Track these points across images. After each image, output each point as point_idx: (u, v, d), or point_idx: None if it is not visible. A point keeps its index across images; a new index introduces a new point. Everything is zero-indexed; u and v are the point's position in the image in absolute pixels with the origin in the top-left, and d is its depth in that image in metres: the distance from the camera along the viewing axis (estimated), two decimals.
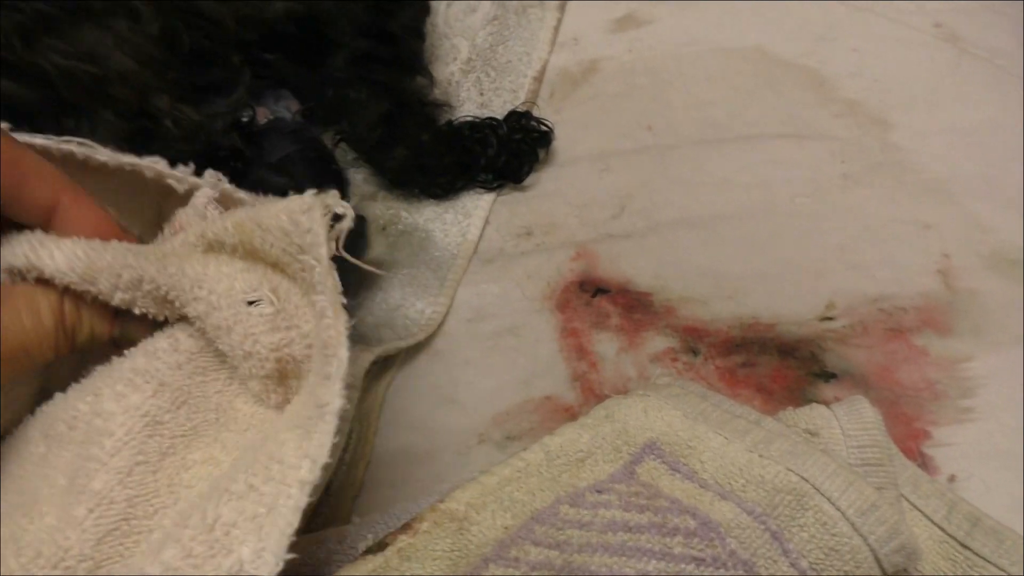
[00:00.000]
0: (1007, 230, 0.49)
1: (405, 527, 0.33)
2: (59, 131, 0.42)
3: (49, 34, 0.41)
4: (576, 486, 0.34)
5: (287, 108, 0.53)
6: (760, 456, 0.33)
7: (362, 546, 0.35)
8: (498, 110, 0.56)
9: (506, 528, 0.32)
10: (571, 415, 0.42)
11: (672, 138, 0.56)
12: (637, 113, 0.57)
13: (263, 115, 0.52)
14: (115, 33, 0.43)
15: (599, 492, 0.33)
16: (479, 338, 0.46)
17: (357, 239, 0.48)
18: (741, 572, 0.30)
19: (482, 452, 0.41)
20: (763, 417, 0.37)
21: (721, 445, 0.34)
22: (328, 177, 0.49)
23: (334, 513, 0.39)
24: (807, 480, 0.32)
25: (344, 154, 0.54)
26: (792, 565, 0.31)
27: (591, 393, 0.43)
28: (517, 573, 0.30)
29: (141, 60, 0.44)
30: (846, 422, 0.37)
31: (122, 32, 0.44)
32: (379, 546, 0.33)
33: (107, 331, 0.31)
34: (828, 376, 0.43)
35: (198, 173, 0.35)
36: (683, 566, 0.30)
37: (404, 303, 0.48)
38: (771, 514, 0.32)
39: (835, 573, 0.31)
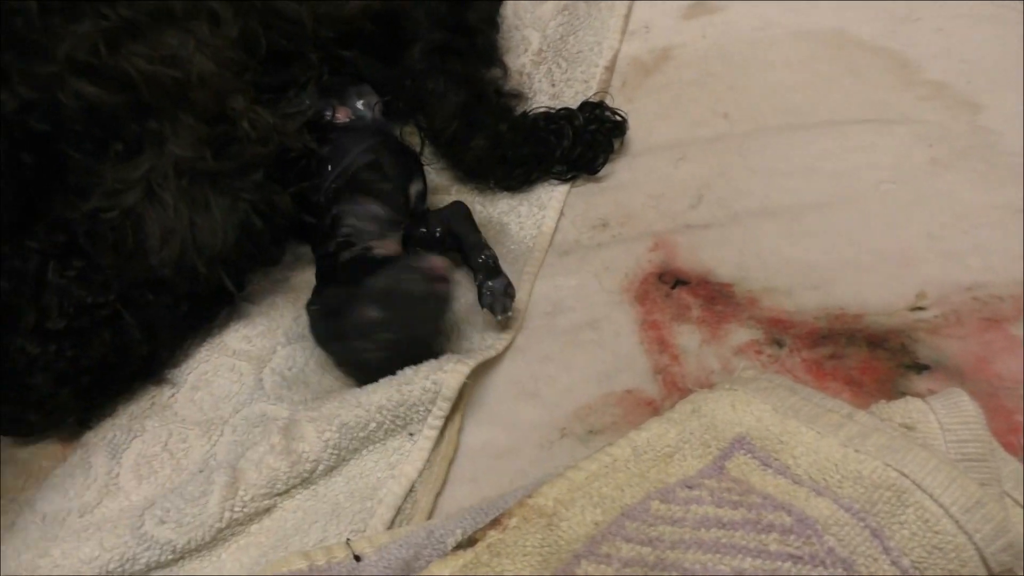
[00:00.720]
0: None
1: (494, 522, 0.33)
2: (142, 134, 0.43)
3: (134, 39, 0.42)
4: (665, 481, 0.34)
5: (368, 105, 0.53)
6: (856, 451, 0.32)
7: (451, 541, 0.35)
8: (569, 101, 0.56)
9: (596, 524, 0.32)
10: (654, 409, 0.42)
11: (750, 125, 0.54)
12: (712, 101, 0.56)
13: (345, 114, 0.52)
14: (196, 37, 0.44)
15: (689, 488, 0.33)
16: (557, 332, 0.46)
17: None
18: (840, 570, 0.29)
19: (565, 446, 0.41)
20: (856, 411, 0.36)
21: (814, 440, 0.33)
22: (413, 166, 0.49)
23: (416, 510, 0.39)
24: (907, 476, 0.31)
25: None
26: (894, 563, 0.30)
27: (674, 386, 0.43)
28: (609, 570, 0.30)
29: (221, 63, 0.45)
30: (944, 416, 0.35)
31: (203, 35, 0.44)
32: (469, 542, 0.33)
33: None
34: (920, 368, 0.42)
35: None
36: (780, 564, 0.30)
37: None
38: (870, 511, 0.31)
39: (939, 572, 0.30)
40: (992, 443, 0.35)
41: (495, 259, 0.46)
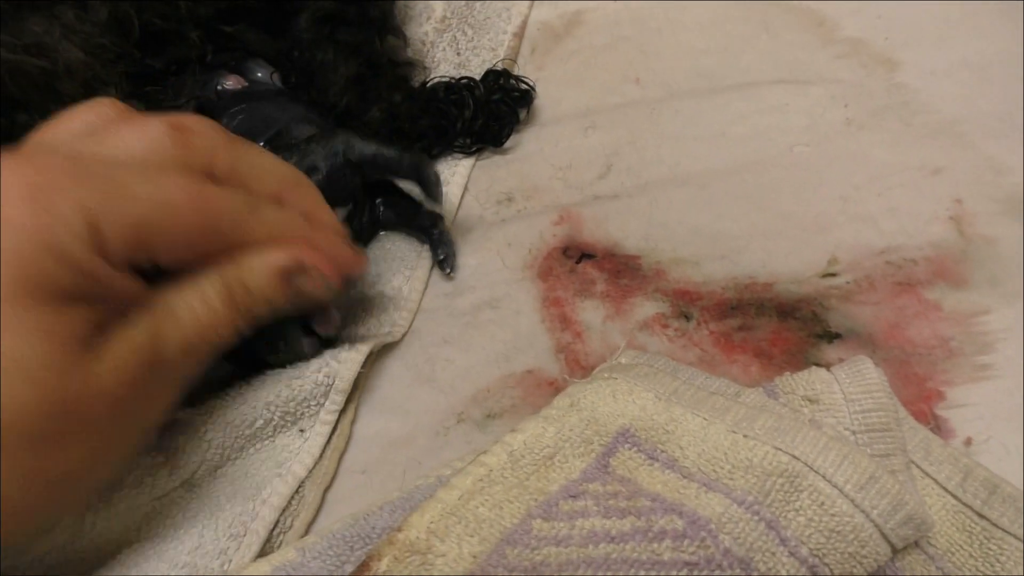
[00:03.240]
0: None
1: (362, 566, 0.29)
2: (12, 128, 0.40)
3: None
4: (547, 491, 0.31)
5: (266, 75, 0.50)
6: (744, 436, 0.30)
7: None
8: (476, 70, 0.53)
9: (475, 557, 0.29)
10: (555, 388, 0.40)
11: (662, 91, 0.52)
12: (624, 66, 0.54)
13: (236, 81, 0.49)
14: (62, 22, 0.41)
15: (573, 497, 0.30)
16: (457, 313, 0.43)
17: None
18: (738, 571, 0.27)
19: (461, 432, 0.39)
20: (742, 390, 0.34)
21: (701, 427, 0.31)
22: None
23: (303, 506, 0.37)
24: (798, 458, 0.29)
25: None
26: (792, 554, 0.28)
27: (576, 365, 0.40)
28: None
29: (90, 50, 0.42)
30: (848, 385, 0.33)
31: (69, 21, 0.41)
32: None
33: (282, 297, 0.33)
34: (832, 337, 0.40)
35: None
36: (675, 573, 0.27)
37: (380, 279, 0.45)
38: (763, 501, 0.29)
39: (839, 556, 0.28)
40: (898, 411, 0.34)
41: (443, 225, 0.46)
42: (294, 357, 0.39)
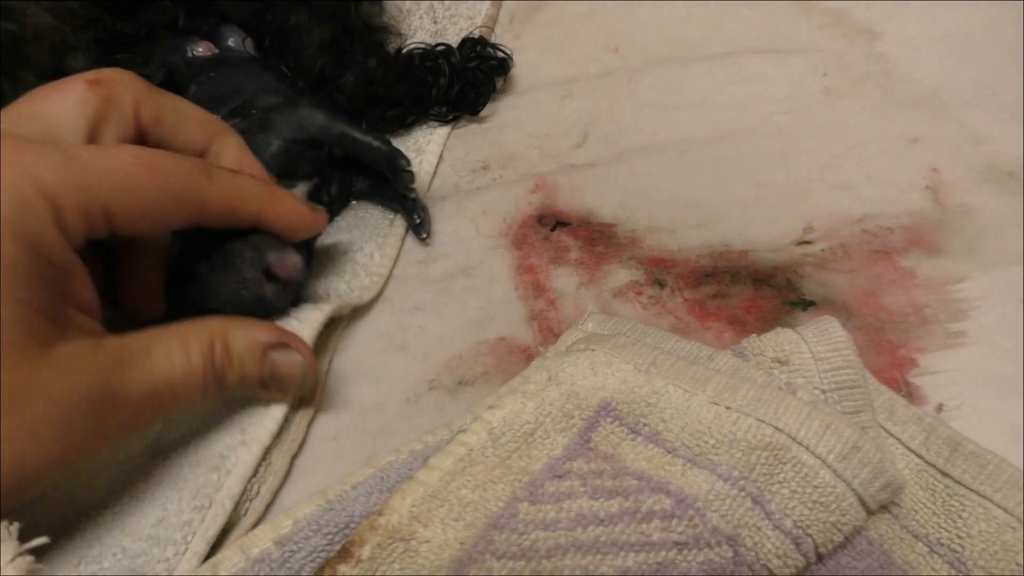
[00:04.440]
0: (1003, 141, 0.45)
1: (343, 553, 0.28)
2: None
3: None
4: (530, 471, 0.30)
5: (238, 43, 0.50)
6: (727, 408, 0.30)
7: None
8: (453, 38, 0.52)
9: (461, 543, 0.28)
10: (528, 355, 0.39)
11: (641, 59, 0.52)
12: (603, 35, 0.53)
13: (207, 48, 0.48)
14: None
15: (559, 477, 0.30)
16: (430, 281, 0.43)
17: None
18: (726, 548, 0.27)
19: (432, 399, 0.38)
20: (715, 353, 0.34)
21: (682, 399, 0.31)
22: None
23: (269, 473, 0.36)
24: (781, 430, 0.29)
25: None
26: (776, 527, 0.28)
27: (549, 332, 0.40)
28: None
29: (59, 14, 0.41)
30: (815, 345, 0.33)
31: None
32: None
33: (258, 371, 0.33)
34: (806, 304, 0.40)
35: None
36: (664, 553, 0.27)
37: (352, 247, 0.44)
38: (748, 476, 0.28)
39: (821, 526, 0.28)
40: (864, 370, 0.34)
41: (416, 192, 0.45)
42: (257, 304, 0.38)
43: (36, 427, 0.26)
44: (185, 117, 0.34)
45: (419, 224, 0.44)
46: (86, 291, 0.29)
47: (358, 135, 0.42)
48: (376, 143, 0.42)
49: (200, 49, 0.47)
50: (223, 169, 0.33)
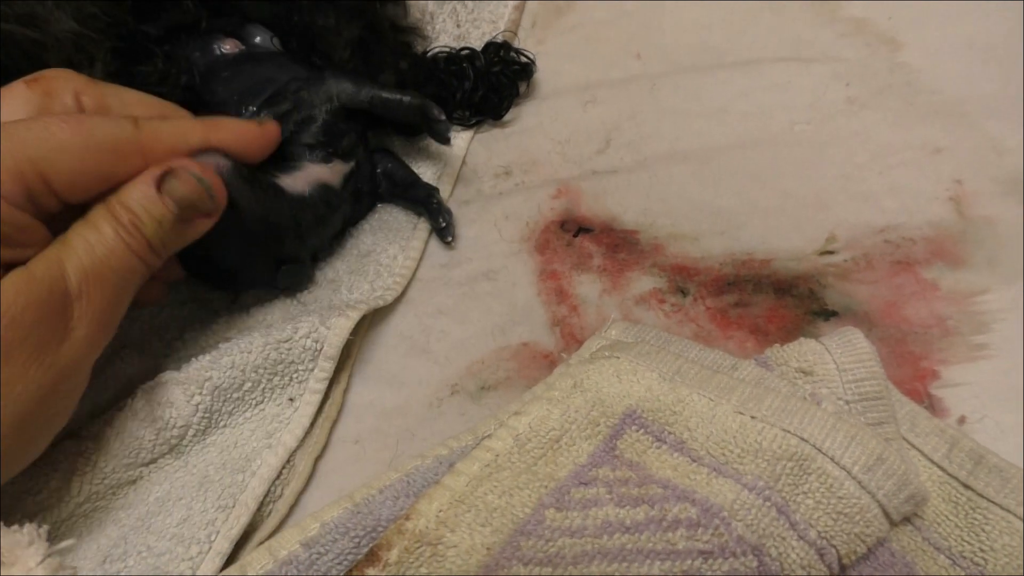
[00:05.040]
0: None
1: (371, 556, 0.29)
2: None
3: None
4: (556, 477, 0.30)
5: (266, 40, 0.50)
6: (752, 418, 0.30)
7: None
8: (476, 41, 0.53)
9: (488, 549, 0.28)
10: (551, 362, 0.40)
11: (663, 66, 0.52)
12: (625, 41, 0.53)
13: (233, 45, 0.48)
14: None
15: (584, 485, 0.30)
16: (453, 284, 0.43)
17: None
18: (751, 558, 0.27)
19: (455, 403, 0.39)
20: (738, 362, 0.34)
21: (708, 408, 0.31)
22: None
23: (293, 475, 0.37)
24: (807, 441, 0.29)
25: None
26: (801, 538, 0.28)
27: (571, 338, 0.40)
28: None
29: (82, 19, 0.41)
30: (840, 356, 0.33)
31: None
32: None
33: (164, 208, 0.32)
34: (828, 314, 0.40)
35: None
36: (689, 562, 0.27)
37: (376, 248, 0.45)
38: (774, 487, 0.29)
39: (845, 537, 0.28)
40: (887, 381, 0.34)
41: (440, 197, 0.46)
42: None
43: (12, 348, 0.28)
44: (129, 103, 0.35)
45: (444, 228, 0.44)
46: (37, 233, 0.30)
47: (386, 93, 0.42)
48: (406, 98, 0.43)
49: (227, 47, 0.48)
50: (151, 119, 0.33)
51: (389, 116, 0.43)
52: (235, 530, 0.35)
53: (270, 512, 0.37)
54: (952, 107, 0.47)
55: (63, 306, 0.29)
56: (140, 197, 0.32)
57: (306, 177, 0.40)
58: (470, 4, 0.55)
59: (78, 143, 0.30)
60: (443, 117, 0.43)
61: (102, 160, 0.31)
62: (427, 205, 0.45)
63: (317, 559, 0.31)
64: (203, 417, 0.37)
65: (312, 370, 0.39)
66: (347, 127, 0.42)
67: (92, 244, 0.30)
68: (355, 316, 0.39)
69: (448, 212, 0.45)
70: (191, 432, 0.37)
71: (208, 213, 0.34)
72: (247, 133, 0.36)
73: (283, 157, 0.40)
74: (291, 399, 0.39)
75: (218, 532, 0.35)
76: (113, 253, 0.31)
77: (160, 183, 0.32)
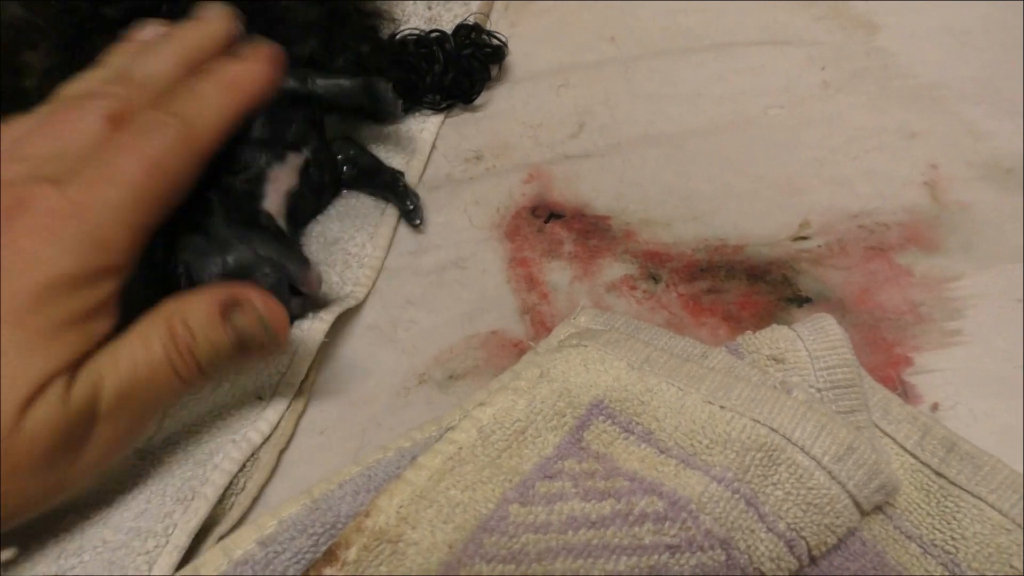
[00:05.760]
0: (1003, 136, 0.44)
1: (328, 556, 0.28)
2: None
3: None
4: (521, 470, 0.30)
5: None
6: (721, 407, 0.29)
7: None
8: (448, 25, 0.51)
9: (450, 546, 0.27)
10: (520, 350, 0.39)
11: (638, 49, 0.51)
12: (600, 23, 0.53)
13: None
14: None
15: (549, 478, 0.29)
16: (421, 273, 0.42)
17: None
18: (720, 551, 0.27)
19: (422, 393, 0.38)
20: (709, 350, 0.33)
21: (676, 398, 0.30)
22: None
23: (257, 467, 0.36)
24: (776, 431, 0.28)
25: None
26: (770, 530, 0.27)
27: (542, 326, 0.40)
28: None
29: (32, 5, 0.40)
30: (812, 343, 0.33)
31: None
32: None
33: (224, 337, 0.31)
34: (802, 301, 0.40)
35: None
36: (656, 557, 0.27)
37: (343, 236, 0.43)
38: (743, 478, 0.28)
39: (815, 528, 0.27)
40: (859, 369, 0.33)
41: (404, 180, 0.45)
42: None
43: (19, 468, 0.27)
44: None
45: (412, 211, 0.43)
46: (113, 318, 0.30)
47: (326, 80, 0.41)
48: (346, 82, 0.41)
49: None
50: (186, 103, 0.32)
51: (342, 104, 0.42)
52: (193, 523, 0.34)
53: (232, 505, 0.36)
54: (927, 91, 0.47)
55: (86, 430, 0.28)
56: (203, 321, 0.31)
57: (276, 192, 0.39)
58: None
59: (157, 188, 0.31)
60: (390, 94, 0.42)
61: (176, 168, 0.31)
62: (393, 189, 0.44)
63: (274, 558, 0.30)
64: (171, 423, 0.36)
65: (284, 373, 0.38)
66: (292, 114, 0.40)
67: (138, 362, 0.29)
68: (329, 319, 0.38)
69: (415, 195, 0.44)
70: (157, 438, 0.36)
71: (266, 350, 0.33)
72: (264, 71, 0.35)
73: (234, 159, 0.38)
74: (260, 397, 0.38)
75: (175, 525, 0.34)
76: (156, 374, 0.30)
77: (226, 310, 0.31)
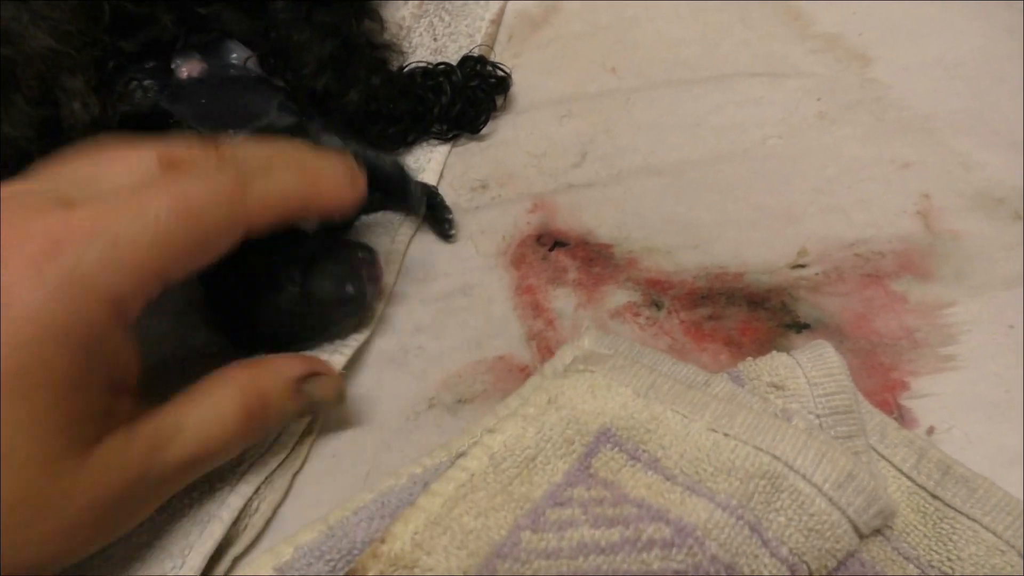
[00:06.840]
0: (993, 167, 0.46)
1: None
2: None
3: None
4: (532, 498, 0.30)
5: (239, 59, 0.50)
6: (725, 435, 0.30)
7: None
8: (453, 56, 0.53)
9: (465, 572, 0.28)
10: (526, 374, 0.40)
11: (638, 80, 0.52)
12: (601, 55, 0.54)
13: (193, 68, 0.48)
14: (31, 9, 0.40)
15: (560, 505, 0.30)
16: (428, 300, 0.43)
17: None
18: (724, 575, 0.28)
19: (431, 416, 0.39)
20: (711, 377, 0.34)
21: (681, 426, 0.31)
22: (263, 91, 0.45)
23: (271, 490, 0.37)
24: (779, 458, 0.29)
25: None
26: (773, 555, 0.28)
27: (548, 352, 0.41)
28: None
29: (59, 37, 0.41)
30: (810, 370, 0.34)
31: (38, 7, 0.40)
32: None
33: (295, 407, 0.32)
34: (800, 327, 0.41)
35: None
36: None
37: None
38: (747, 505, 0.29)
39: (816, 553, 0.28)
40: (857, 394, 0.34)
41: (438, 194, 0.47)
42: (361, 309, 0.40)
43: (77, 528, 0.26)
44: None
45: (449, 220, 0.46)
46: (132, 365, 0.29)
47: (370, 155, 0.42)
48: (387, 165, 0.43)
49: (185, 69, 0.47)
50: (255, 173, 0.29)
51: (375, 177, 0.43)
52: (208, 544, 0.34)
53: (246, 527, 0.36)
54: (921, 123, 0.48)
55: (146, 490, 0.29)
56: (282, 392, 0.31)
57: None
58: (447, 18, 0.55)
59: (193, 238, 0.28)
60: (419, 192, 0.44)
61: (212, 246, 0.28)
62: (430, 204, 0.46)
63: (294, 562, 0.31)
64: None
65: None
66: None
67: (211, 434, 0.29)
68: (348, 352, 0.39)
69: (448, 207, 0.46)
70: None
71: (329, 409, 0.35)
72: (346, 188, 0.33)
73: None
74: None
75: (191, 547, 0.35)
76: (226, 446, 0.30)
77: (303, 381, 0.32)
